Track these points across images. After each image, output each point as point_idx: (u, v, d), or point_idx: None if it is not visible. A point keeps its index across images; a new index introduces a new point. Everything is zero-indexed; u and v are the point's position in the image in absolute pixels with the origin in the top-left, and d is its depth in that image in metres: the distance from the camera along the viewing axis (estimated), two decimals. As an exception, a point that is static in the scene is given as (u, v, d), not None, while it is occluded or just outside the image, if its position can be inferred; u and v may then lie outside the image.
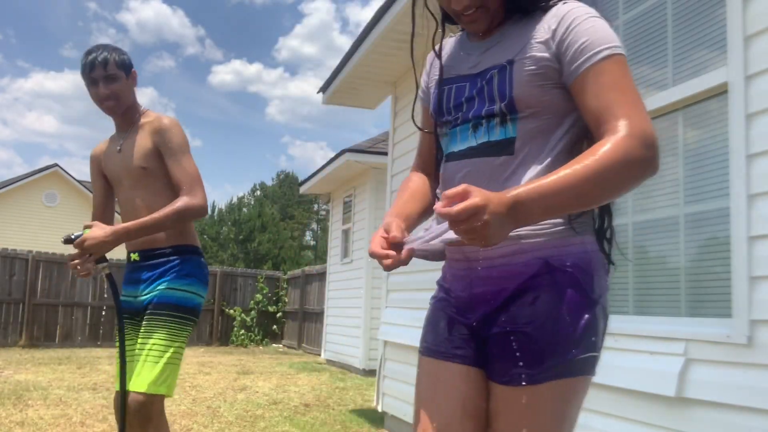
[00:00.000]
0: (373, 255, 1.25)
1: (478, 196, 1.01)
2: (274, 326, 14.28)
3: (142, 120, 2.54)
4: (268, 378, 8.16)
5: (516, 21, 1.32)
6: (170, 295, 2.41)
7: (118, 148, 2.55)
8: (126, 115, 2.55)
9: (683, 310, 2.48)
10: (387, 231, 1.27)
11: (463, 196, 1.01)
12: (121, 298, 2.54)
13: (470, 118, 1.31)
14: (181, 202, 2.35)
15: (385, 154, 6.87)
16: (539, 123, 1.26)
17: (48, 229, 19.41)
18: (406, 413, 4.72)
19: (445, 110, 1.36)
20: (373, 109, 7.02)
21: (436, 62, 1.44)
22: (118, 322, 2.43)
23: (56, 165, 21.73)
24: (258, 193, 43.94)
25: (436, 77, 1.42)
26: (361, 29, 5.49)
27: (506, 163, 1.25)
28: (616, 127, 1.12)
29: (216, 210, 39.72)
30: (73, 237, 2.32)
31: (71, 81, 65.70)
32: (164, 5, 74.93)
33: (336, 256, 11.04)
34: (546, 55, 1.23)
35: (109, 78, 2.42)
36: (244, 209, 40.45)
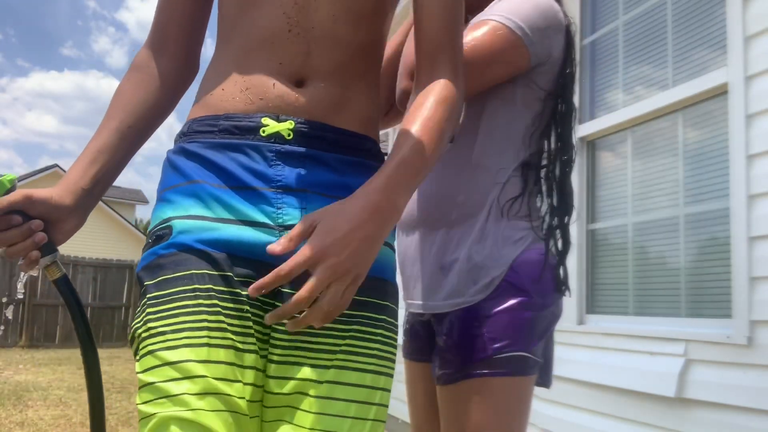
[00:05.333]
0: None
1: None
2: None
3: None
4: (268, 378, 8.16)
5: None
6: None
7: None
8: None
9: (683, 311, 2.48)
10: None
11: None
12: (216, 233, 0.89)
13: None
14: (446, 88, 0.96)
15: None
16: None
17: (48, 229, 19.38)
18: (405, 413, 4.71)
19: None
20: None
21: None
22: (84, 349, 0.98)
23: (56, 165, 21.74)
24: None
25: None
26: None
27: None
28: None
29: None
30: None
31: (71, 81, 65.87)
32: (164, 5, 74.85)
33: (336, 257, 11.02)
34: None
35: None
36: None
